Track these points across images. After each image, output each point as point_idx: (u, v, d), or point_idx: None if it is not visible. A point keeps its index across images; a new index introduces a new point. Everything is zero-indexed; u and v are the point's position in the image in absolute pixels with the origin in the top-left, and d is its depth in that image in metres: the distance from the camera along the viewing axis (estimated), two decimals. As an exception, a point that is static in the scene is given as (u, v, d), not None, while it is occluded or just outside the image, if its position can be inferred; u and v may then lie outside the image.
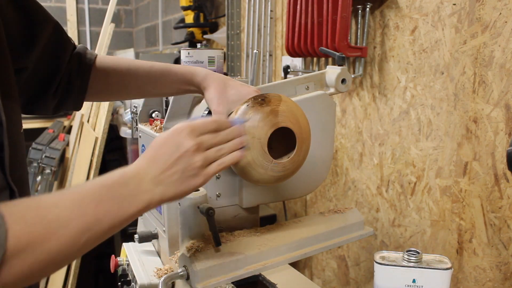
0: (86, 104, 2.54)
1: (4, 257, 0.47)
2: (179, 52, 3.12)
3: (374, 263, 0.70)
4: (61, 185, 2.74)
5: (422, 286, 0.69)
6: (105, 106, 2.18)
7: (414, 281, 0.67)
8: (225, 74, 0.92)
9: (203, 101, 0.83)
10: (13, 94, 0.70)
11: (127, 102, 2.35)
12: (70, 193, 0.57)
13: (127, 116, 2.19)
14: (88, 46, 4.22)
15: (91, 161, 2.14)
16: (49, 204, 0.53)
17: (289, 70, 1.50)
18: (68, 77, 0.83)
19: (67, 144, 2.89)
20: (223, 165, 0.66)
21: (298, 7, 1.35)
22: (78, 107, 0.87)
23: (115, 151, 2.74)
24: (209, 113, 0.82)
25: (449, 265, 0.70)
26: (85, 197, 0.56)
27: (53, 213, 0.52)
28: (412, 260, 0.70)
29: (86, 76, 0.84)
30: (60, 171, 2.80)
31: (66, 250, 0.53)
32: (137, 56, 3.29)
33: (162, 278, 0.71)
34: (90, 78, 0.85)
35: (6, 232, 0.47)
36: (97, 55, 0.87)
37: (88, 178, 2.14)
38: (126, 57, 3.45)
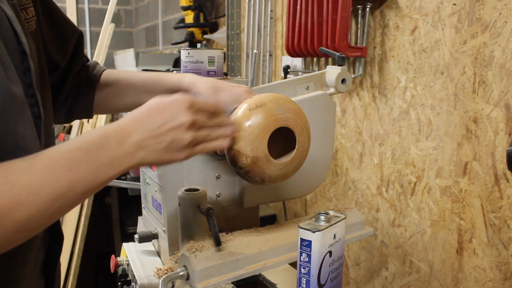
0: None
1: None
2: (179, 52, 3.12)
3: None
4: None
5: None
6: (105, 106, 2.17)
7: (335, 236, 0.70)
8: (225, 74, 0.92)
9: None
10: (48, 93, 0.76)
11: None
12: (42, 158, 0.54)
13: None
14: (88, 46, 4.23)
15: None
16: (19, 170, 0.51)
17: (289, 70, 1.50)
18: (77, 87, 0.89)
19: (67, 144, 2.88)
20: (207, 149, 0.65)
21: (298, 7, 1.35)
22: (89, 115, 0.91)
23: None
24: None
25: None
26: (59, 162, 0.54)
27: (23, 179, 0.51)
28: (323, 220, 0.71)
29: (93, 87, 0.89)
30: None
31: (36, 219, 0.52)
32: (137, 56, 3.29)
33: (162, 278, 0.71)
34: (96, 88, 0.89)
35: None
36: (105, 69, 0.92)
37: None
38: (126, 57, 3.45)
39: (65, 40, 0.85)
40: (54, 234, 0.76)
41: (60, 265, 0.82)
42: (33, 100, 0.66)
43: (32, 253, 0.69)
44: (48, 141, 0.70)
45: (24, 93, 0.62)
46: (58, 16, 0.83)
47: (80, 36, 0.88)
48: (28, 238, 0.54)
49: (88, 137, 0.58)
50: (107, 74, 0.91)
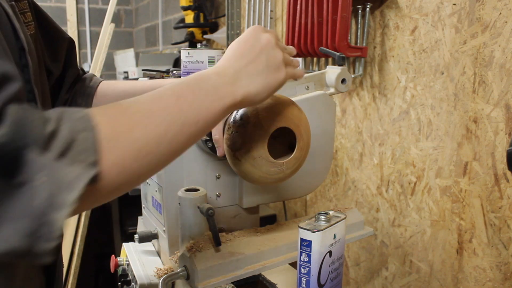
0: (86, 104, 2.54)
1: (100, 163, 0.43)
2: (179, 52, 3.12)
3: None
4: (61, 185, 2.73)
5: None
6: (105, 106, 2.17)
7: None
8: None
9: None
10: (47, 92, 0.76)
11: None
12: (148, 94, 0.54)
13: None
14: (88, 46, 4.23)
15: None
16: (129, 101, 0.51)
17: (289, 70, 1.50)
18: (74, 98, 0.89)
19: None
20: (294, 73, 0.66)
21: (298, 7, 1.35)
22: None
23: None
24: None
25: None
26: (165, 93, 0.54)
27: (133, 106, 0.51)
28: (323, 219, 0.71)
29: (90, 98, 0.89)
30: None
31: (155, 140, 0.50)
32: (137, 56, 3.29)
33: (162, 278, 0.71)
34: (93, 99, 0.90)
35: (96, 136, 0.44)
36: (102, 80, 0.92)
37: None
38: (126, 57, 3.45)
39: (57, 47, 0.85)
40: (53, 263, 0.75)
41: (62, 263, 0.82)
42: (30, 96, 0.66)
43: (36, 281, 0.68)
44: None
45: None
46: (50, 23, 0.84)
47: (71, 43, 0.88)
48: (151, 168, 0.51)
49: (187, 76, 0.58)
50: (105, 85, 0.91)
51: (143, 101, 0.52)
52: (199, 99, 0.55)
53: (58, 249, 0.77)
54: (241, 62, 0.60)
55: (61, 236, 0.75)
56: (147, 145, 0.49)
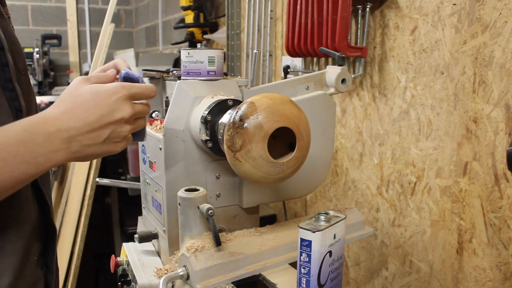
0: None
1: None
2: (179, 52, 3.11)
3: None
4: (61, 185, 2.74)
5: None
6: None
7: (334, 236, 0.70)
8: (225, 74, 0.92)
9: (204, 101, 0.83)
10: (31, 91, 0.74)
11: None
12: None
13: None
14: (88, 46, 4.23)
15: (91, 160, 2.13)
16: None
17: (289, 70, 1.50)
18: None
19: (67, 144, 2.88)
20: (140, 126, 0.65)
21: (298, 7, 1.35)
22: None
23: (115, 151, 2.74)
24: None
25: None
26: None
27: None
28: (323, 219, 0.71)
29: None
30: (60, 171, 2.80)
31: None
32: (137, 56, 3.28)
33: (162, 278, 0.71)
34: None
35: None
36: None
37: (88, 178, 2.14)
38: (126, 57, 3.44)
39: None
40: (47, 228, 0.77)
41: (56, 258, 0.82)
42: (13, 94, 0.65)
43: (19, 244, 0.68)
44: None
45: (1, 87, 0.62)
46: None
47: None
48: None
49: (14, 128, 0.53)
50: None
51: None
52: (14, 167, 0.52)
53: (54, 248, 0.78)
54: (80, 128, 0.56)
55: (55, 230, 0.75)
56: None
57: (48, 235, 0.77)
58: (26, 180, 0.55)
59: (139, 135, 0.73)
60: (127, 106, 0.59)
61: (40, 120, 0.55)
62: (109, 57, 3.04)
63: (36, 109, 0.76)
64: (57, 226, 2.47)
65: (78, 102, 0.57)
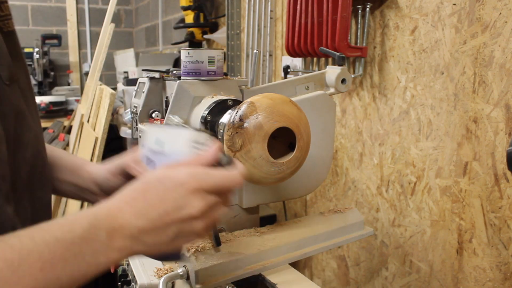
0: (86, 104, 2.54)
1: None
2: (179, 52, 3.11)
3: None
4: (61, 185, 2.73)
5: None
6: (105, 106, 2.18)
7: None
8: (225, 74, 0.92)
9: (204, 101, 0.83)
10: (31, 93, 0.69)
11: (127, 101, 2.35)
12: (11, 248, 0.43)
13: (127, 116, 2.19)
14: (88, 46, 4.23)
15: (91, 161, 2.14)
16: None
17: (289, 70, 1.50)
18: None
19: (67, 144, 2.89)
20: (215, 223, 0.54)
21: (298, 7, 1.35)
22: None
23: (115, 151, 2.74)
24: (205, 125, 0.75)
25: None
26: (28, 258, 0.43)
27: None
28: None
29: None
30: (60, 171, 2.80)
31: None
32: (137, 56, 3.29)
33: (162, 278, 0.71)
34: None
35: None
36: None
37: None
38: (126, 57, 3.44)
39: None
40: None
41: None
42: None
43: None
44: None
45: None
46: None
47: None
48: None
49: (75, 228, 0.46)
50: None
51: (8, 265, 0.41)
52: (74, 269, 0.45)
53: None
54: (144, 224, 0.48)
55: None
56: None
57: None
58: (82, 281, 0.47)
59: (175, 255, 0.61)
60: (197, 200, 0.49)
61: (103, 212, 0.48)
62: (109, 57, 3.04)
63: (36, 114, 0.70)
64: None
65: (141, 193, 0.49)
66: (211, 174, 0.52)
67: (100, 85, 2.46)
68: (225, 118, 0.77)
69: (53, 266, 0.44)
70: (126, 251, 0.48)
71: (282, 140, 0.75)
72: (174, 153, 0.58)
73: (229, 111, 0.79)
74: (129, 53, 3.41)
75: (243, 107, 0.71)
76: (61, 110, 3.58)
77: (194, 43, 2.46)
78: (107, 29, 2.43)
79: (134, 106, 1.02)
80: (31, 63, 3.70)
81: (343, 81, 0.93)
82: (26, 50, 3.69)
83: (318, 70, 1.27)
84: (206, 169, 0.52)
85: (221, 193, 0.52)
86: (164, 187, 0.49)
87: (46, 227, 0.46)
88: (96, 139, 2.12)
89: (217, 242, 0.74)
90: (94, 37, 4.19)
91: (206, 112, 0.79)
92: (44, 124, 3.40)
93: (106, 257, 0.47)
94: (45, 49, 3.73)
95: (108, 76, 4.24)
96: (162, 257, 0.64)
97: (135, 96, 1.03)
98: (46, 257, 0.43)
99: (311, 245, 0.86)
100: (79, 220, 0.47)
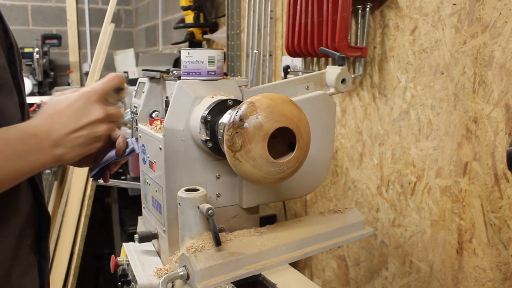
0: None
1: None
2: (179, 52, 3.11)
3: None
4: (61, 185, 2.74)
5: None
6: (105, 106, 2.18)
7: None
8: (225, 74, 0.92)
9: (204, 101, 0.83)
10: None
11: (127, 101, 2.35)
12: None
13: (127, 116, 2.19)
14: (88, 46, 4.23)
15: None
16: None
17: (289, 70, 1.50)
18: None
19: (67, 144, 2.88)
20: (113, 129, 0.71)
21: (298, 7, 1.35)
22: None
23: (115, 151, 2.73)
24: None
25: None
26: None
27: None
28: None
29: None
30: (60, 171, 2.80)
31: None
32: (137, 56, 3.29)
33: (162, 278, 0.71)
34: None
35: None
36: None
37: (88, 178, 2.14)
38: (126, 57, 3.45)
39: None
40: (41, 215, 0.81)
41: (49, 245, 0.87)
42: (17, 90, 0.70)
43: (15, 226, 0.72)
44: None
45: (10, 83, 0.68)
46: None
47: None
48: None
49: (8, 131, 0.61)
50: None
51: None
52: (14, 162, 0.60)
53: (47, 234, 0.83)
54: (63, 129, 0.64)
55: (49, 218, 0.85)
56: None
57: (42, 221, 0.81)
58: (21, 176, 0.62)
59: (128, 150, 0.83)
60: (99, 107, 0.67)
61: (30, 126, 0.63)
62: (109, 57, 3.04)
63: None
64: (57, 226, 2.47)
65: (58, 109, 0.65)
66: (103, 86, 0.70)
67: (100, 85, 2.45)
68: (225, 118, 0.77)
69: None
70: (51, 155, 0.63)
71: (282, 140, 0.75)
72: None
73: (229, 111, 0.79)
74: (129, 53, 3.41)
75: (243, 107, 0.71)
76: (61, 110, 3.57)
77: (194, 43, 2.46)
78: (107, 29, 2.43)
79: (134, 106, 1.02)
80: (31, 63, 3.70)
81: (343, 81, 0.93)
82: (26, 50, 3.69)
83: (318, 70, 1.27)
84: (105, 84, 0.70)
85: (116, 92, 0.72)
86: (73, 100, 0.66)
87: None
88: (96, 139, 2.11)
89: (217, 242, 0.74)
90: (94, 37, 4.19)
91: (206, 112, 0.79)
92: (44, 124, 3.39)
93: (37, 158, 0.62)
94: (45, 49, 3.73)
95: (108, 76, 4.23)
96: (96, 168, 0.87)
97: (135, 96, 1.03)
98: None
99: (311, 245, 0.86)
100: (13, 129, 0.61)
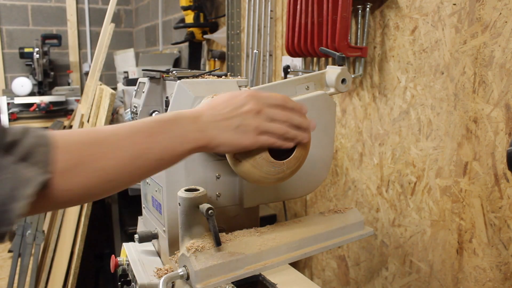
0: (86, 104, 2.54)
1: (53, 172, 0.52)
2: (179, 52, 3.11)
3: None
4: (61, 185, 2.73)
5: None
6: (105, 106, 2.18)
7: None
8: (225, 74, 0.92)
9: (204, 101, 0.83)
10: None
11: (127, 101, 2.35)
12: (126, 125, 0.61)
13: (127, 116, 2.19)
14: (88, 46, 4.23)
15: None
16: (99, 131, 0.59)
17: (289, 70, 1.50)
18: None
19: (67, 144, 2.88)
20: (270, 142, 0.70)
21: (298, 7, 1.35)
22: None
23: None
24: None
25: None
26: (139, 129, 0.61)
27: (103, 138, 0.58)
28: None
29: None
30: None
31: (117, 172, 0.58)
32: (137, 56, 3.29)
33: (162, 278, 0.71)
34: None
35: (52, 151, 0.53)
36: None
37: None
38: (126, 57, 3.45)
39: None
40: None
41: None
42: None
43: None
44: None
45: None
46: None
47: None
48: (113, 190, 0.61)
49: (165, 114, 0.65)
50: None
51: (115, 132, 0.59)
52: (166, 141, 0.62)
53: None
54: (216, 116, 0.67)
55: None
56: (110, 174, 0.58)
57: None
58: (178, 155, 0.64)
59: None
60: (253, 103, 0.69)
61: (189, 110, 0.68)
62: (109, 57, 3.05)
63: None
64: (57, 226, 2.47)
65: (217, 99, 0.70)
66: (270, 93, 0.72)
67: (100, 85, 2.46)
68: (225, 118, 0.77)
69: (156, 136, 0.61)
70: (205, 133, 0.65)
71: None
72: None
73: (229, 111, 0.78)
74: (129, 53, 3.41)
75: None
76: (61, 110, 3.58)
77: (194, 43, 2.47)
78: (107, 29, 2.43)
79: (134, 106, 1.02)
80: (31, 63, 3.70)
81: (343, 81, 0.93)
82: (26, 50, 3.70)
83: (318, 70, 1.27)
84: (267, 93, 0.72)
85: (282, 109, 0.70)
86: (233, 96, 0.69)
87: (146, 118, 0.64)
88: (96, 139, 2.11)
89: (217, 242, 0.74)
90: (94, 37, 4.19)
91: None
92: (44, 124, 3.40)
93: (192, 136, 0.64)
94: (45, 49, 3.73)
95: (108, 76, 4.24)
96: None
97: (135, 96, 1.03)
98: (150, 129, 0.61)
99: (311, 245, 0.86)
100: (169, 113, 0.66)
